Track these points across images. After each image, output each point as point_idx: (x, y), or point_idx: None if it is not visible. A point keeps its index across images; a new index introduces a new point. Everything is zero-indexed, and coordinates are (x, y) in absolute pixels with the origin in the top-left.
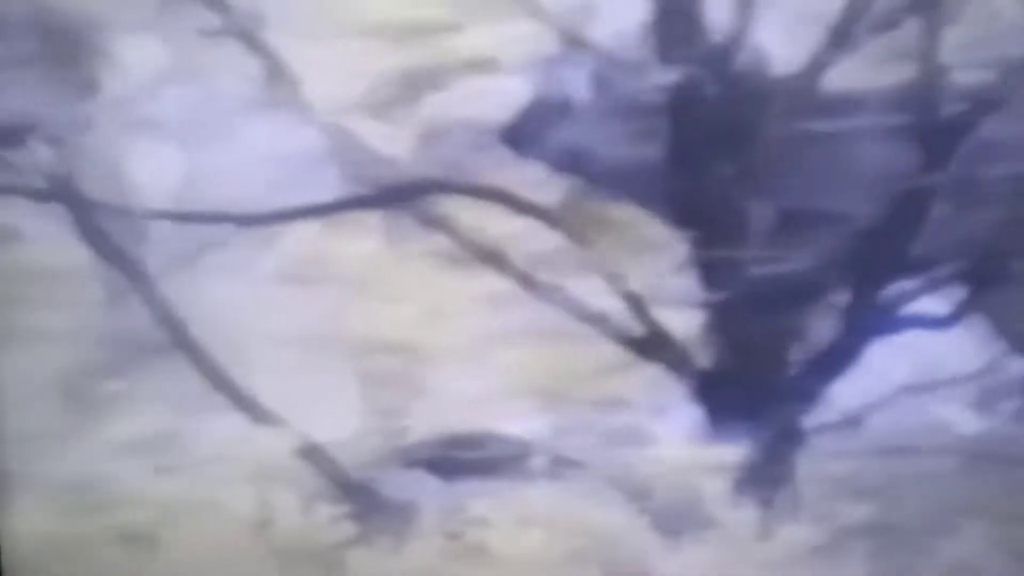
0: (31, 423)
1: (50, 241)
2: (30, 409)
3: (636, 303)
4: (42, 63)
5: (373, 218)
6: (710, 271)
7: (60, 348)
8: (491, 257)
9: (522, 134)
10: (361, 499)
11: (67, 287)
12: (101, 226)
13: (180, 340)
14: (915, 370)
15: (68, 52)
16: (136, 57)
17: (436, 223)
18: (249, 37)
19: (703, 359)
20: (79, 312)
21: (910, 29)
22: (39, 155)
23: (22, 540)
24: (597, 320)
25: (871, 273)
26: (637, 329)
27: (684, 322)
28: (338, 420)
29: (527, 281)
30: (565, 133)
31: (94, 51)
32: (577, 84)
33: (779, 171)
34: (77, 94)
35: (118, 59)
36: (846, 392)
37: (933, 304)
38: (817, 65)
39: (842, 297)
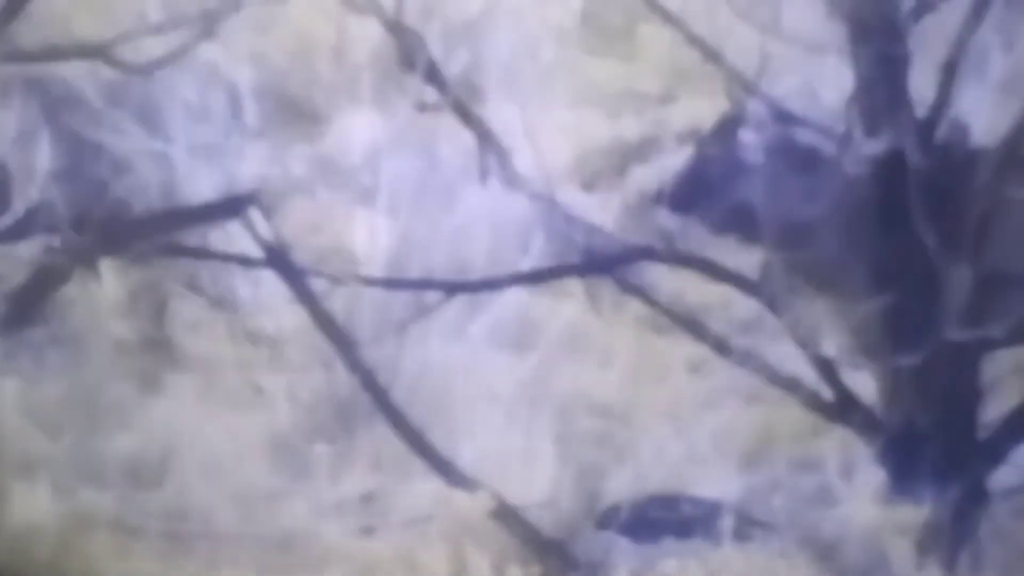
0: (244, 483)
1: (263, 307)
2: (243, 469)
3: (827, 368)
4: (267, 135)
5: (576, 285)
6: (904, 335)
7: (271, 411)
8: (689, 323)
9: (680, 196)
10: (553, 560)
11: (277, 353)
12: (312, 293)
13: (382, 405)
14: None
15: (293, 124)
16: (356, 129)
17: (637, 290)
18: (464, 110)
19: (892, 421)
20: (289, 377)
21: None
22: (256, 224)
23: None
24: (790, 385)
25: None
26: (827, 393)
27: (875, 385)
28: (534, 482)
29: (723, 347)
30: (745, 197)
31: (317, 123)
32: (757, 151)
33: (979, 238)
34: (297, 164)
35: (339, 130)
36: None
37: None
38: (1019, 134)
39: None
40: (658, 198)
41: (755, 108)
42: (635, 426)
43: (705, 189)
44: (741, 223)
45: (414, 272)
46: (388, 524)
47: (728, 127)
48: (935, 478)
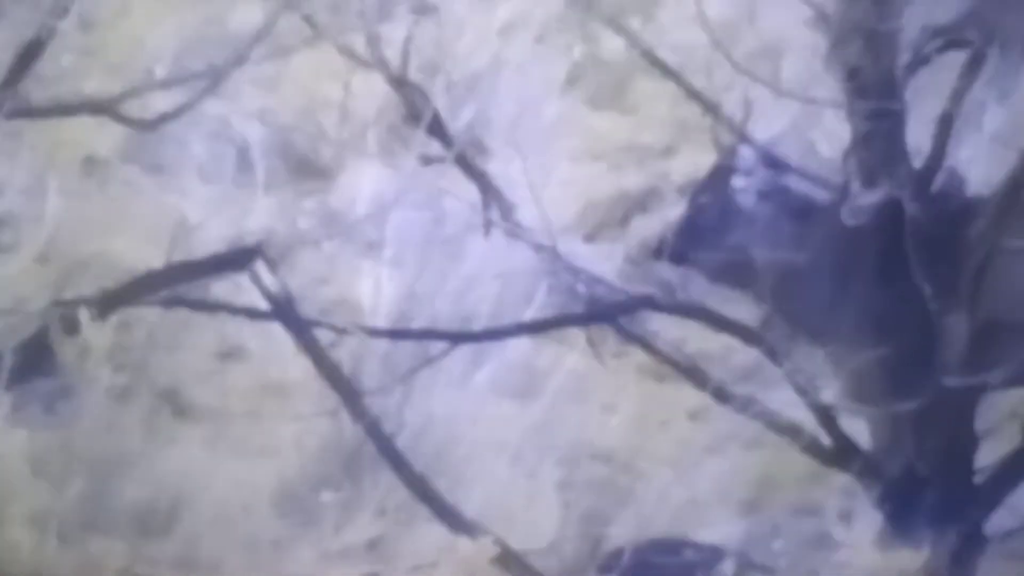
0: (251, 531)
1: (270, 358)
2: (251, 518)
3: (826, 415)
4: (275, 189)
5: (579, 334)
6: (902, 382)
7: (278, 460)
8: (691, 372)
9: (678, 247)
10: None
11: (285, 402)
12: (318, 344)
13: (388, 453)
14: None
15: (300, 178)
16: (362, 183)
17: (638, 339)
18: (468, 163)
19: (890, 467)
20: (296, 426)
21: None
22: (262, 277)
23: None
24: (790, 431)
25: None
26: (826, 440)
27: (872, 431)
28: (538, 528)
29: (723, 395)
30: (742, 246)
31: (323, 177)
32: (754, 202)
33: (976, 286)
34: (304, 218)
35: (345, 184)
36: None
37: None
38: (1015, 185)
39: None
40: (658, 249)
41: (750, 158)
42: (637, 472)
43: (702, 239)
44: (739, 272)
45: (419, 322)
46: (393, 570)
47: (719, 177)
48: (933, 523)
